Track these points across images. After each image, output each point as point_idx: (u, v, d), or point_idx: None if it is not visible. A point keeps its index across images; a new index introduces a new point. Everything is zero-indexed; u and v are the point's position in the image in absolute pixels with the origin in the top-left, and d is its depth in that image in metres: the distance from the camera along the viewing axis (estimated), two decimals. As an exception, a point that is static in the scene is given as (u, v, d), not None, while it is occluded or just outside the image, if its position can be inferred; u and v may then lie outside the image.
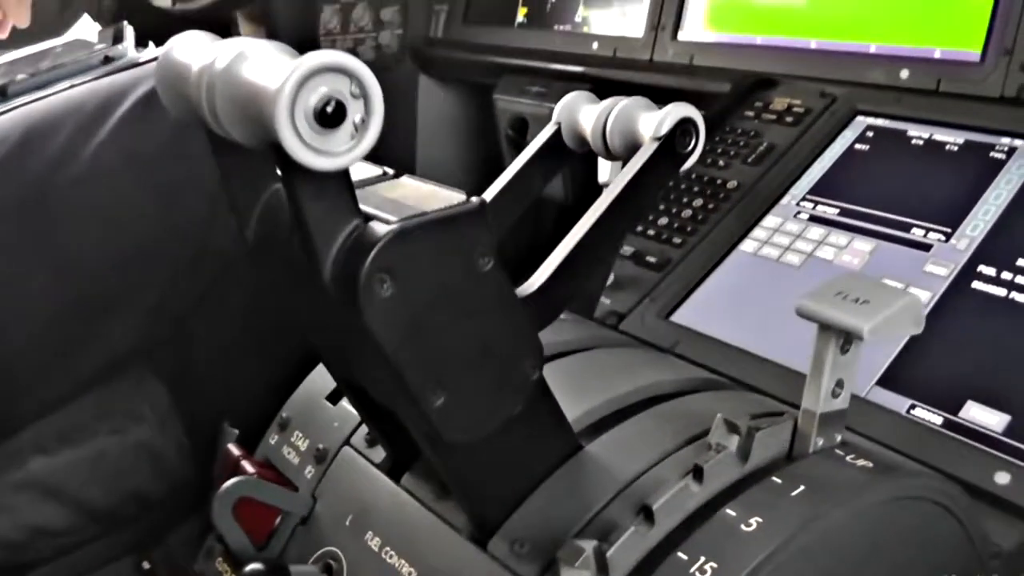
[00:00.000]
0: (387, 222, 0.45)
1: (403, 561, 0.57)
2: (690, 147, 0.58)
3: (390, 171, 0.52)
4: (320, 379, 0.71)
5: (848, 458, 0.55)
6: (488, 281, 0.48)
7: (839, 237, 0.92)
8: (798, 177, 1.01)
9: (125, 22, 1.01)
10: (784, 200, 0.99)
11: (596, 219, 0.54)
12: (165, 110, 0.81)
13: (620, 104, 0.60)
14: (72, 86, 0.86)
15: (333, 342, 0.53)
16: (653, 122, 0.58)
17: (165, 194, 0.83)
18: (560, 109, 0.63)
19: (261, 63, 0.43)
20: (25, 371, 0.81)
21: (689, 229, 1.01)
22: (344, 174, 0.45)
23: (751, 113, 1.11)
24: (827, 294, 0.53)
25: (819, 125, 1.05)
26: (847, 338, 0.54)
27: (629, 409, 0.60)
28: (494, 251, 0.48)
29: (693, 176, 1.07)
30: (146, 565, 0.85)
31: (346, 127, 0.42)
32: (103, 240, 0.81)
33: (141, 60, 0.90)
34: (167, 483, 0.88)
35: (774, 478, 0.53)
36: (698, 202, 1.03)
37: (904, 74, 1.03)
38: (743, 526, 0.50)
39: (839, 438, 0.56)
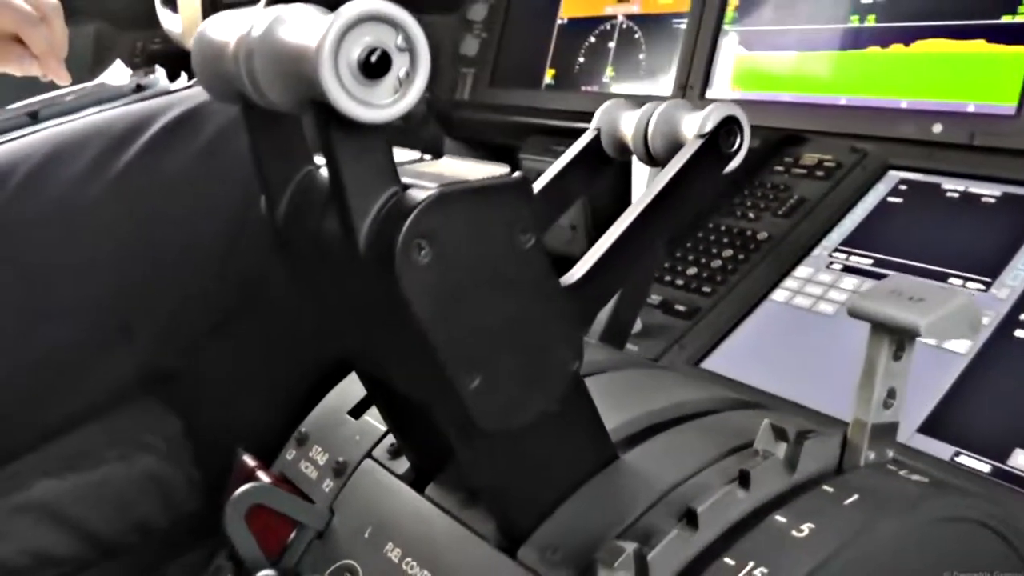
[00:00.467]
0: (427, 189, 0.43)
1: (425, 572, 0.54)
2: (735, 147, 0.57)
3: (428, 156, 0.51)
4: (342, 395, 0.68)
5: (902, 473, 0.52)
6: (529, 259, 0.46)
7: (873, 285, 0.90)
8: (830, 229, 0.99)
9: (158, 66, 1.02)
10: (816, 251, 0.98)
11: (638, 214, 0.53)
12: (193, 134, 0.82)
13: (662, 106, 0.59)
14: (102, 111, 0.86)
15: (361, 330, 0.51)
16: (696, 121, 0.56)
17: (187, 219, 0.82)
18: (600, 115, 0.62)
19: (301, 22, 0.42)
20: (33, 391, 0.79)
21: (719, 279, 0.99)
22: (384, 137, 0.43)
23: (781, 168, 1.10)
24: (880, 292, 0.51)
25: (850, 179, 1.03)
26: (900, 343, 0.51)
27: (667, 423, 0.57)
28: (536, 229, 0.46)
29: (723, 228, 1.05)
30: (150, 592, 0.81)
31: (390, 79, 0.41)
32: (122, 262, 0.80)
33: (172, 89, 0.89)
34: (173, 514, 0.85)
35: (825, 487, 0.50)
36: (727, 252, 1.02)
37: (937, 128, 1.02)
38: (794, 532, 0.47)
39: (891, 454, 0.53)
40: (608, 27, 1.37)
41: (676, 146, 0.57)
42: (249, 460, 0.65)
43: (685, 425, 0.56)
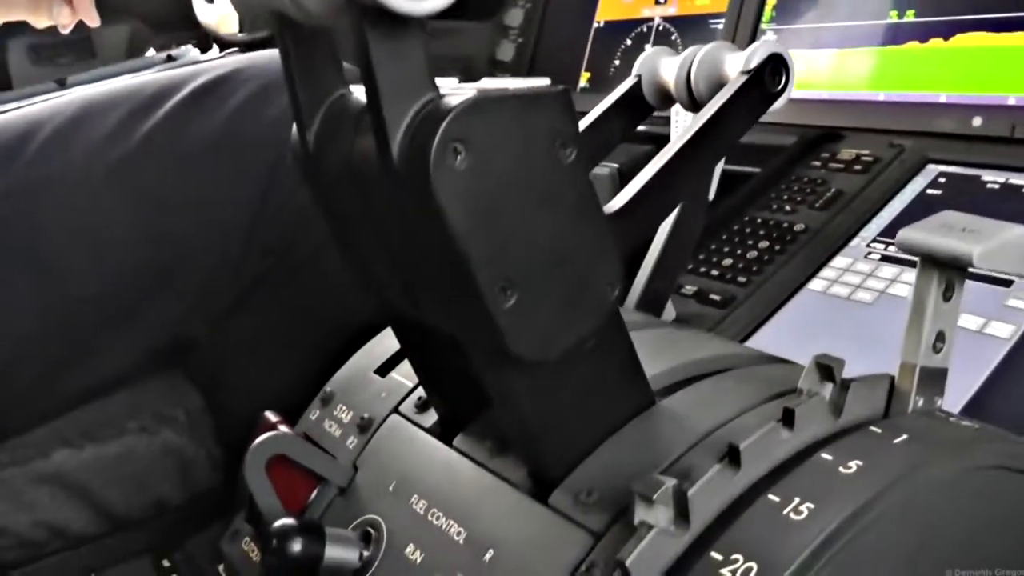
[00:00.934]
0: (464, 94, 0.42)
1: (451, 521, 0.52)
2: (780, 85, 0.55)
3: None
4: (369, 355, 0.66)
5: (952, 419, 0.50)
6: (570, 174, 0.44)
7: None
8: (868, 221, 0.97)
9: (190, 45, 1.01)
10: (854, 242, 0.95)
11: (681, 146, 0.51)
12: (222, 99, 0.81)
13: (705, 48, 0.57)
14: (133, 78, 0.85)
15: (393, 258, 0.49)
16: (740, 60, 0.55)
17: (214, 183, 0.80)
18: (641, 62, 0.60)
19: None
20: (54, 358, 0.77)
21: (755, 269, 0.97)
22: (421, 39, 0.42)
23: (818, 163, 1.08)
24: (930, 225, 0.49)
25: (888, 173, 1.01)
26: (950, 281, 0.49)
27: (706, 374, 0.55)
28: (578, 144, 0.44)
29: (759, 220, 1.03)
30: (166, 563, 0.79)
31: (429, -29, 0.39)
32: (146, 224, 0.78)
33: (203, 58, 0.88)
34: (191, 490, 0.83)
35: (873, 428, 0.47)
36: (764, 244, 0.99)
37: (977, 122, 1.00)
38: (842, 469, 0.44)
39: (939, 402, 0.51)
40: (644, 29, 1.36)
41: (720, 88, 0.55)
42: (272, 416, 0.63)
43: (725, 374, 0.54)
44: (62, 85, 0.83)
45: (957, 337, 0.51)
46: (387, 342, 0.67)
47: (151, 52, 1.04)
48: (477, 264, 0.43)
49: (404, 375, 0.63)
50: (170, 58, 0.88)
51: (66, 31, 0.93)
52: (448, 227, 0.42)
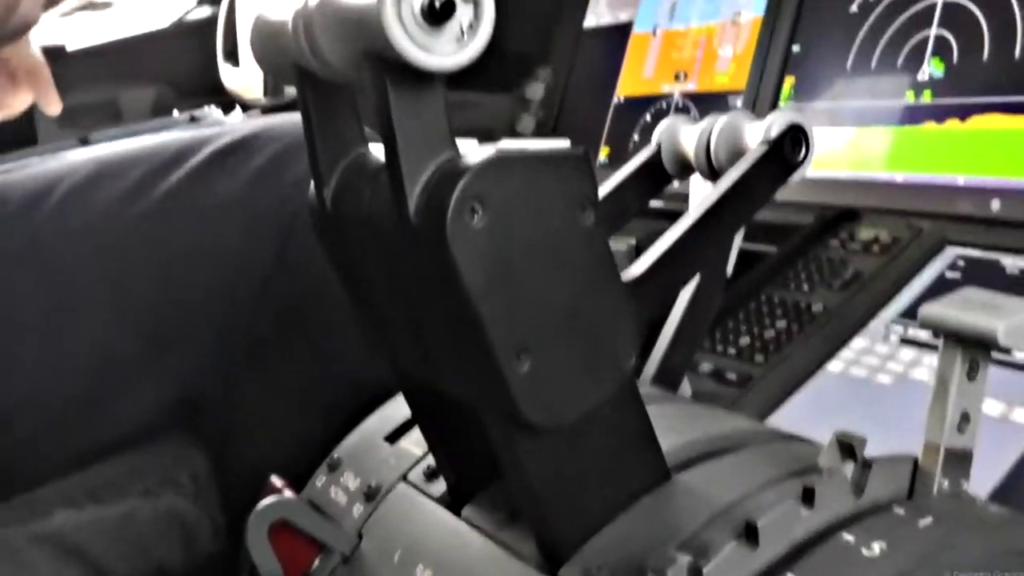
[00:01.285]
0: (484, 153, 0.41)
1: (457, 594, 0.50)
2: (800, 156, 0.54)
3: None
4: (379, 421, 0.65)
5: (978, 503, 0.48)
6: (589, 238, 0.43)
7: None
8: (886, 303, 0.96)
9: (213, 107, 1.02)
10: (873, 324, 0.94)
11: (700, 216, 0.50)
12: (243, 161, 0.81)
13: (724, 117, 0.57)
14: (155, 137, 0.85)
15: (406, 318, 0.48)
16: (760, 129, 0.54)
17: (231, 243, 0.80)
18: (660, 131, 0.60)
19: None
20: (61, 415, 0.76)
21: (772, 349, 0.96)
22: (442, 96, 0.42)
23: (836, 243, 1.07)
24: (952, 301, 0.48)
25: (907, 255, 1.01)
26: (974, 360, 0.48)
27: (724, 450, 0.54)
28: (597, 207, 0.43)
29: (776, 299, 1.02)
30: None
31: (452, 28, 0.39)
32: (161, 285, 0.78)
33: (226, 120, 0.89)
34: (193, 556, 0.81)
35: (896, 509, 0.46)
36: (781, 324, 0.99)
37: (995, 205, 0.99)
38: (864, 551, 0.43)
39: (965, 485, 0.49)
40: (664, 105, 1.37)
41: (739, 158, 0.55)
42: (277, 480, 0.62)
43: (743, 450, 0.53)
44: (84, 142, 0.83)
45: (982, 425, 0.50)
46: (398, 408, 0.66)
47: (175, 114, 1.05)
48: (492, 326, 0.42)
49: (414, 443, 0.62)
50: (193, 119, 0.88)
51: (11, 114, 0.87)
52: (463, 287, 0.41)
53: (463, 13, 0.39)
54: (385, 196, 0.44)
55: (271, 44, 0.48)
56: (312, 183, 0.50)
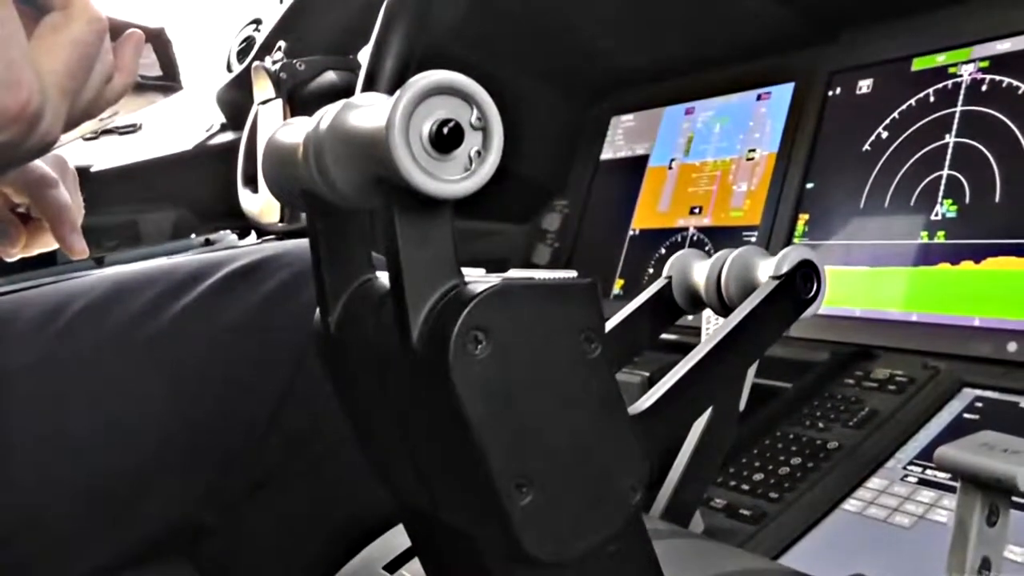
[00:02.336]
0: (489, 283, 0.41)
1: None
2: (812, 292, 0.54)
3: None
4: (380, 549, 0.64)
5: (1000, 656, 0.46)
6: (594, 370, 0.43)
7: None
8: (904, 442, 0.95)
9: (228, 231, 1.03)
10: (889, 463, 0.93)
11: (709, 350, 0.50)
12: (255, 285, 0.81)
13: (735, 252, 0.57)
14: (170, 260, 0.86)
15: (408, 445, 0.47)
16: (772, 265, 0.54)
17: (241, 368, 0.80)
18: (672, 263, 0.60)
19: (372, 103, 0.42)
20: (59, 538, 0.75)
21: (787, 485, 0.94)
22: (449, 226, 0.42)
23: (851, 381, 1.06)
24: (970, 444, 0.46)
25: (924, 395, 0.99)
26: (993, 505, 0.47)
27: (733, 590, 0.52)
28: (603, 339, 0.43)
29: (791, 436, 1.01)
30: None
31: (461, 156, 0.39)
32: (169, 405, 0.77)
33: (240, 244, 0.89)
34: None
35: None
36: (796, 460, 0.97)
37: (1012, 347, 0.99)
38: None
39: (986, 636, 0.47)
40: (679, 239, 1.38)
41: (750, 292, 0.54)
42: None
43: (752, 592, 0.51)
44: (99, 263, 0.84)
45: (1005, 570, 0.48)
46: (399, 537, 0.64)
47: (192, 237, 1.06)
48: (493, 457, 0.41)
49: (413, 573, 0.60)
50: (208, 242, 0.89)
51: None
52: (465, 418, 0.40)
53: (472, 140, 0.40)
54: (389, 323, 0.43)
55: (282, 169, 0.48)
56: (317, 307, 0.50)
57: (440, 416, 0.42)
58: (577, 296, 0.43)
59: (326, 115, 0.44)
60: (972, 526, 0.46)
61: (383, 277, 0.48)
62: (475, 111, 0.40)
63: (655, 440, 0.47)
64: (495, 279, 0.42)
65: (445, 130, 0.39)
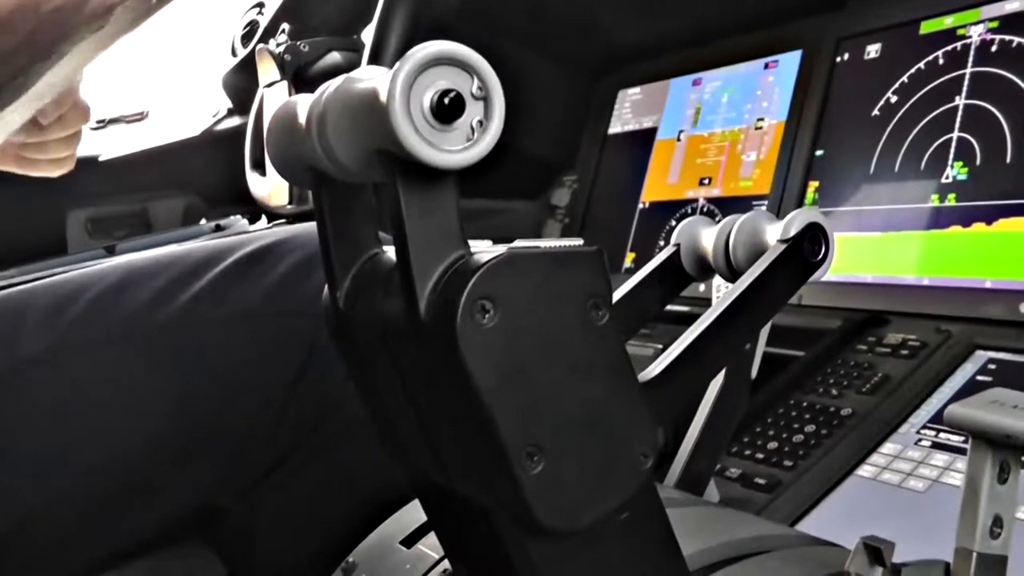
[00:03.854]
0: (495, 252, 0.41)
1: None
2: (820, 255, 0.54)
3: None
4: (395, 524, 0.64)
5: (1014, 612, 0.46)
6: (602, 337, 0.43)
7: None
8: (917, 407, 0.94)
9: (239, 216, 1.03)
10: (903, 428, 0.93)
11: (718, 315, 0.50)
12: (266, 270, 0.81)
13: (743, 217, 0.56)
14: (180, 246, 0.86)
15: (419, 417, 0.47)
16: (779, 229, 0.54)
17: (253, 353, 0.80)
18: (680, 231, 0.60)
19: (374, 75, 0.41)
20: (79, 524, 0.75)
21: (801, 453, 0.94)
22: (453, 195, 0.41)
23: (864, 347, 1.06)
24: (979, 402, 0.46)
25: (936, 358, 0.99)
26: (1004, 462, 0.46)
27: (748, 555, 0.52)
28: (611, 306, 0.43)
29: (804, 404, 1.01)
30: None
31: (463, 126, 0.39)
32: (182, 391, 0.77)
33: (251, 229, 0.90)
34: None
35: (927, 619, 0.44)
36: (810, 428, 0.97)
37: (1024, 308, 0.98)
38: (892, 663, 0.41)
39: (1001, 593, 0.47)
40: (688, 210, 1.37)
41: (758, 257, 0.54)
42: (291, 588, 0.60)
43: (768, 555, 0.51)
44: (111, 252, 0.84)
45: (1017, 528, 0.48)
46: (415, 513, 0.65)
47: (202, 221, 1.06)
48: (503, 426, 0.41)
49: (430, 547, 0.60)
50: (218, 227, 0.89)
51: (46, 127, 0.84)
52: (474, 386, 0.40)
53: (473, 110, 0.39)
54: (397, 295, 0.43)
55: (286, 147, 0.48)
56: (326, 284, 0.50)
57: (449, 387, 0.42)
58: (583, 263, 0.42)
59: (328, 90, 0.44)
60: (983, 484, 0.46)
61: (390, 251, 0.48)
62: (476, 81, 0.39)
63: (666, 407, 0.47)
64: (501, 248, 0.42)
65: (446, 100, 0.38)
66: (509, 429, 0.41)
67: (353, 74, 0.43)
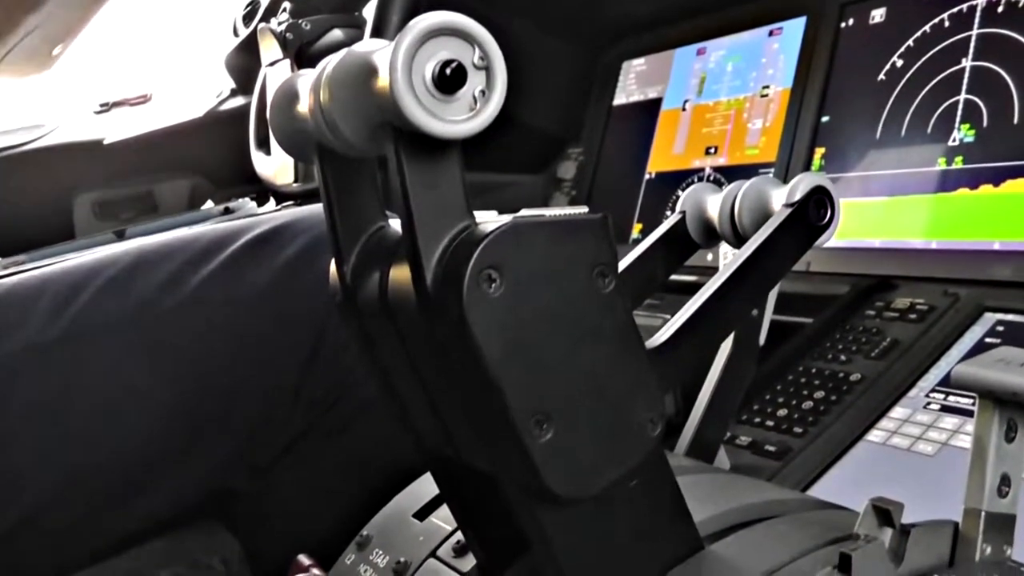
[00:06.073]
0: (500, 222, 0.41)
1: (487, 673, 0.49)
2: (825, 219, 0.54)
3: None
4: (408, 498, 0.64)
5: (1023, 569, 0.46)
6: (609, 304, 0.43)
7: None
8: (926, 371, 0.94)
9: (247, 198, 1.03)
10: (912, 392, 0.93)
11: (724, 280, 0.50)
12: (275, 252, 0.82)
13: (749, 182, 0.56)
14: (190, 230, 0.86)
15: (427, 391, 0.48)
16: (784, 193, 0.54)
17: (264, 336, 0.80)
18: (686, 198, 0.60)
19: (375, 48, 0.42)
20: (95, 503, 0.76)
21: (810, 420, 0.94)
22: (458, 166, 0.42)
23: (872, 312, 1.06)
24: (986, 360, 0.46)
25: (945, 322, 0.99)
26: (1012, 421, 0.47)
27: (758, 519, 0.52)
28: (616, 273, 0.43)
29: (813, 370, 1.01)
30: None
31: (465, 96, 0.39)
32: (193, 375, 0.78)
33: (259, 211, 0.90)
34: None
35: (937, 578, 0.44)
36: (819, 394, 0.97)
37: (1032, 269, 0.98)
38: (903, 622, 0.41)
39: (1009, 551, 0.48)
40: (695, 180, 1.37)
41: (764, 222, 0.54)
42: (305, 559, 0.61)
43: (778, 519, 0.52)
44: (120, 236, 0.84)
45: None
46: (427, 486, 0.65)
47: (208, 204, 1.06)
48: (511, 395, 0.41)
49: (443, 519, 0.61)
50: (227, 210, 0.89)
51: None
52: (482, 357, 0.41)
53: (475, 80, 0.40)
54: (403, 267, 0.43)
55: (289, 123, 0.49)
56: (333, 260, 0.50)
57: (457, 357, 0.42)
58: (588, 231, 0.43)
59: (329, 64, 0.44)
60: (990, 443, 0.46)
61: (396, 224, 0.48)
62: (477, 51, 0.40)
63: (673, 373, 0.47)
64: (507, 218, 0.42)
65: (448, 71, 0.39)
66: (517, 398, 0.41)
67: (355, 47, 0.43)
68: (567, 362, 0.42)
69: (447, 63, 0.39)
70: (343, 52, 0.44)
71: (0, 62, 0.60)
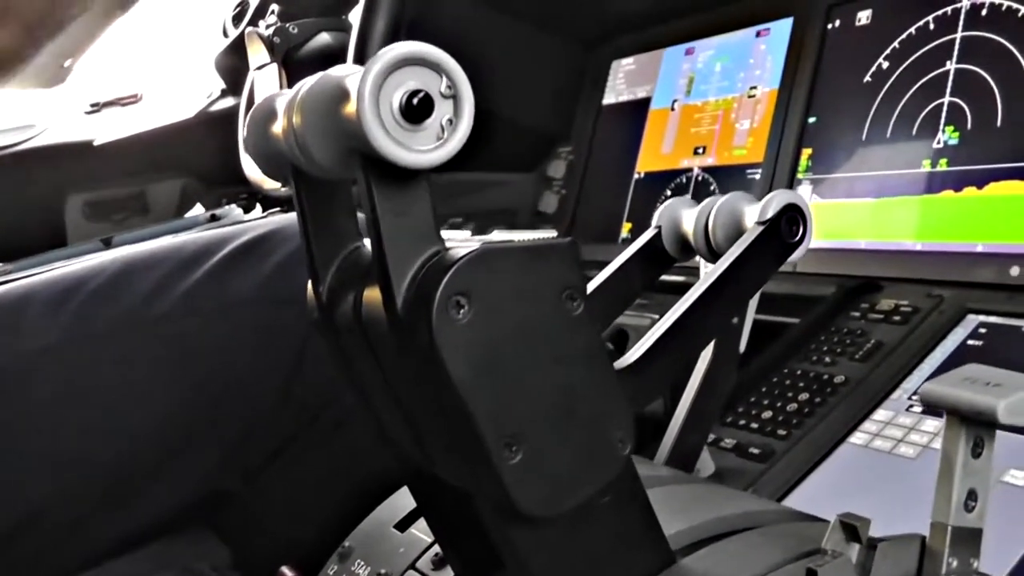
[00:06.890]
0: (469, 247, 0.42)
1: None
2: (797, 237, 0.54)
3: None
4: (389, 509, 0.65)
5: (989, 584, 0.47)
6: (577, 327, 0.43)
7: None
8: (909, 372, 0.95)
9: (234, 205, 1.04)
10: (895, 394, 0.93)
11: (696, 298, 0.50)
12: (262, 259, 0.82)
13: (723, 198, 0.57)
14: (176, 237, 0.87)
15: (401, 409, 0.48)
16: (758, 209, 0.54)
17: (251, 343, 0.81)
18: (661, 212, 0.60)
19: (347, 74, 0.42)
20: (86, 512, 0.77)
21: (794, 422, 0.95)
22: (426, 193, 0.42)
23: (857, 314, 1.06)
24: (953, 378, 0.47)
25: (928, 324, 0.99)
26: (978, 437, 0.47)
27: (731, 532, 0.53)
28: (585, 296, 0.44)
29: (798, 372, 1.01)
30: None
31: (433, 125, 0.40)
32: (183, 381, 0.79)
33: (246, 219, 0.90)
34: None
35: (902, 594, 0.45)
36: (803, 396, 0.98)
37: (1015, 271, 0.98)
38: (867, 639, 0.42)
39: (975, 564, 0.48)
40: (684, 180, 1.38)
41: (738, 238, 0.55)
42: (288, 572, 0.62)
43: (750, 532, 0.52)
44: (107, 244, 0.85)
45: (1003, 495, 0.49)
46: (408, 497, 0.65)
47: (198, 209, 1.07)
48: (481, 418, 0.42)
49: (423, 531, 0.62)
50: (214, 217, 0.90)
51: None
52: (451, 381, 0.41)
53: (443, 109, 0.40)
54: (375, 291, 0.44)
55: (263, 139, 0.49)
56: (310, 279, 0.51)
57: (428, 381, 0.43)
58: (557, 256, 0.43)
59: (303, 88, 0.45)
60: (957, 459, 0.47)
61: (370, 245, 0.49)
62: (445, 80, 0.40)
63: (643, 392, 0.48)
64: (475, 243, 0.42)
65: (415, 100, 0.39)
66: (487, 421, 0.42)
67: (329, 72, 0.44)
68: (536, 385, 0.43)
69: (414, 93, 0.39)
70: (318, 76, 0.44)
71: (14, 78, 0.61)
